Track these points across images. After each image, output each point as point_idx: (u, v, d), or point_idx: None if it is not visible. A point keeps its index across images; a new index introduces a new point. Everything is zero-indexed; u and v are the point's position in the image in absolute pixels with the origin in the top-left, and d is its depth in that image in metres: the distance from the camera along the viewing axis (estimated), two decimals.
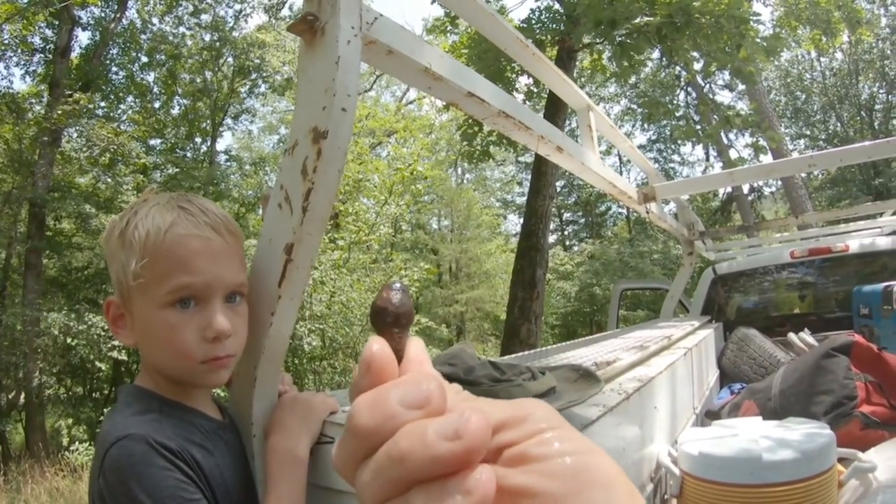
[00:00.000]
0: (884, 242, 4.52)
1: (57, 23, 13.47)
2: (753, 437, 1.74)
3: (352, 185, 16.10)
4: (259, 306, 1.07)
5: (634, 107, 24.01)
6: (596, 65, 12.09)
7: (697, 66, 10.64)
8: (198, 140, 18.71)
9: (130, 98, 16.63)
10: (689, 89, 18.05)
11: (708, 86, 16.86)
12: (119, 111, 16.17)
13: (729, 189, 20.25)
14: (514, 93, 10.46)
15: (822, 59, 22.64)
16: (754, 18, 8.47)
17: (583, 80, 18.61)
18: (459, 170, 28.93)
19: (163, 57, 16.66)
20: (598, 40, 9.57)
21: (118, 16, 15.04)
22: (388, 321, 0.41)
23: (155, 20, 16.60)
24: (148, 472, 0.88)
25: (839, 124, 23.23)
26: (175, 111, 17.95)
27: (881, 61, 21.31)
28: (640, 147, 23.79)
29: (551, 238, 22.47)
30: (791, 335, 3.62)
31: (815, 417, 2.26)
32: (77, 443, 10.97)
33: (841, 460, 1.83)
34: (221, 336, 1.00)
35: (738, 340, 4.20)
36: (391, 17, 1.05)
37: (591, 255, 22.68)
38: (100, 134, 12.88)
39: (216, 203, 1.14)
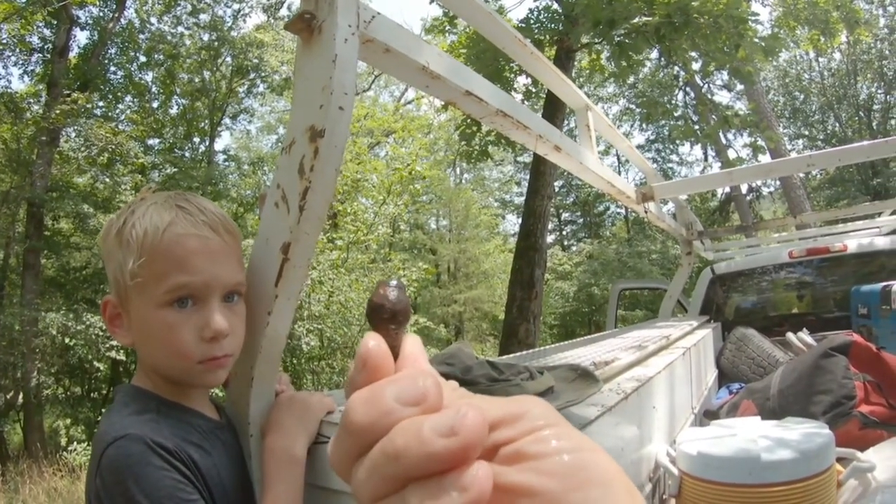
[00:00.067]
0: (882, 242, 4.53)
1: (55, 22, 13.46)
2: (752, 436, 1.74)
3: (350, 185, 16.10)
4: (256, 306, 1.06)
5: (633, 107, 23.99)
6: (594, 65, 12.07)
7: (696, 65, 10.67)
8: (196, 140, 18.71)
9: (129, 98, 16.63)
10: (688, 89, 18.09)
11: (706, 86, 16.90)
12: (117, 111, 16.17)
13: (727, 189, 20.28)
14: (513, 92, 10.46)
15: (820, 59, 22.66)
16: (753, 18, 8.47)
17: (581, 79, 18.62)
18: (458, 170, 28.93)
19: (161, 57, 16.64)
20: (596, 40, 9.57)
21: (116, 15, 15.04)
22: (385, 317, 0.40)
23: (153, 20, 16.60)
24: (145, 472, 0.87)
25: (837, 124, 23.24)
26: (173, 111, 17.96)
27: (879, 61, 21.33)
28: (639, 147, 23.85)
29: (550, 238, 22.51)
30: (789, 335, 3.62)
31: (813, 417, 2.26)
32: (75, 443, 10.97)
33: (840, 460, 1.83)
34: (219, 336, 0.99)
35: (737, 340, 4.20)
36: (389, 16, 1.05)
37: (589, 255, 22.68)
38: (98, 134, 12.88)
39: (214, 203, 1.14)
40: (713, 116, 11.16)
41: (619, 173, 17.95)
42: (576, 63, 12.04)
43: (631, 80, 15.62)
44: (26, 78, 14.58)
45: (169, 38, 16.71)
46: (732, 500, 1.62)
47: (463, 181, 29.70)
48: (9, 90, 13.33)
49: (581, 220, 29.07)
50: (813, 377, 2.54)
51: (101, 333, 10.72)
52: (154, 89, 17.27)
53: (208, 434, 1.04)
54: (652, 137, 26.28)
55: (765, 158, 14.89)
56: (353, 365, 0.37)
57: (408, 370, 0.38)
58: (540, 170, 9.78)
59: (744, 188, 20.29)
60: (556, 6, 10.11)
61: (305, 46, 0.96)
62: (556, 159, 1.99)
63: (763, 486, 1.58)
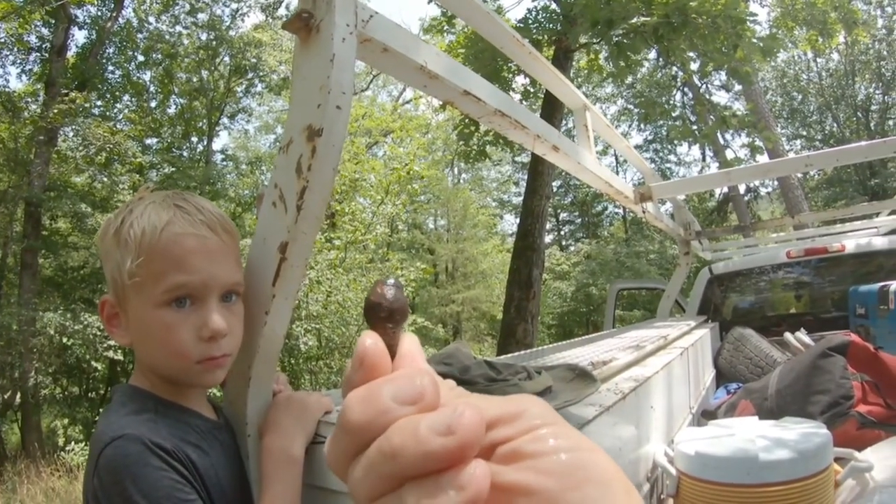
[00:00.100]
0: (880, 242, 4.54)
1: (53, 21, 13.42)
2: (750, 436, 1.74)
3: (348, 185, 16.06)
4: (253, 305, 1.06)
5: (631, 107, 24.02)
6: (593, 65, 12.08)
7: (694, 66, 10.68)
8: (194, 139, 18.69)
9: (127, 97, 16.60)
10: (686, 89, 18.11)
11: (704, 86, 16.93)
12: (115, 110, 16.14)
13: (725, 189, 20.28)
14: (511, 92, 10.47)
15: (818, 59, 22.68)
16: (751, 19, 8.48)
17: (579, 79, 18.65)
18: (456, 169, 28.94)
19: (159, 56, 16.62)
20: (594, 40, 9.57)
21: (114, 14, 15.01)
22: (382, 316, 0.40)
23: (151, 19, 16.56)
24: (143, 472, 0.87)
25: (835, 125, 23.28)
26: (171, 110, 17.92)
27: (877, 62, 21.36)
28: (637, 147, 23.84)
29: (548, 238, 22.53)
30: (787, 335, 3.62)
31: (811, 417, 2.26)
32: (73, 443, 10.94)
33: (837, 460, 1.83)
34: (217, 336, 0.99)
35: (735, 340, 4.20)
36: (387, 16, 1.04)
37: (587, 255, 22.70)
38: (96, 133, 12.85)
39: (212, 202, 1.14)
40: (711, 117, 11.17)
41: (617, 173, 17.99)
42: (574, 63, 12.05)
43: (629, 80, 15.61)
44: (24, 77, 14.57)
45: (167, 37, 16.69)
46: (730, 499, 1.62)
47: (461, 181, 29.72)
48: (7, 89, 13.31)
49: (579, 220, 29.08)
50: (811, 377, 2.55)
51: (98, 333, 10.71)
52: (152, 89, 17.25)
53: (206, 434, 1.04)
54: (650, 137, 26.33)
55: (763, 159, 14.90)
56: (350, 363, 0.37)
57: (405, 369, 0.38)
58: (538, 170, 9.78)
59: (742, 188, 20.33)
60: (554, 6, 10.12)
61: (303, 46, 0.96)
62: (555, 159, 1.99)
63: (761, 485, 1.58)
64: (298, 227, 0.96)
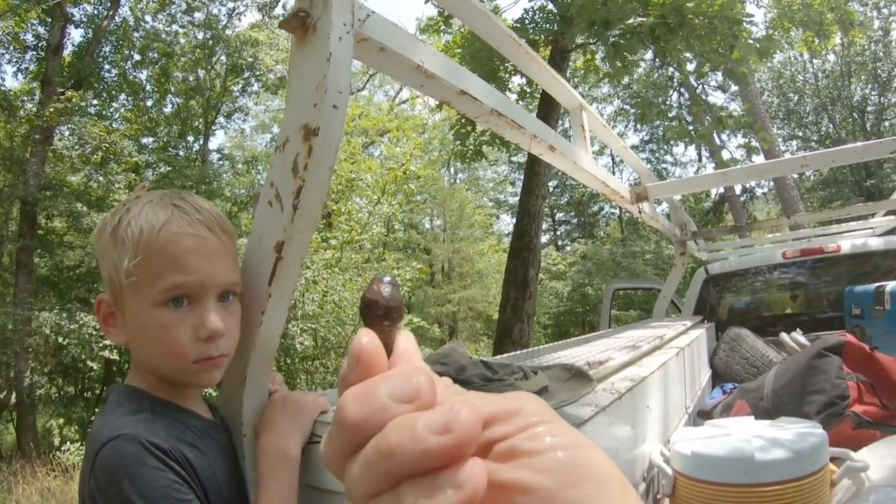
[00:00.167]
0: (875, 243, 4.54)
1: (49, 20, 13.40)
2: (746, 436, 1.74)
3: (344, 185, 16.05)
4: (249, 305, 1.06)
5: (627, 107, 24.04)
6: (589, 65, 12.10)
7: (690, 66, 10.71)
8: (190, 138, 18.70)
9: (123, 96, 16.62)
10: (682, 90, 18.08)
11: (701, 87, 16.94)
12: (111, 109, 16.14)
13: (721, 190, 20.30)
14: (507, 92, 10.47)
15: (814, 60, 22.75)
16: (747, 20, 8.49)
17: (576, 80, 18.64)
18: (452, 169, 28.91)
19: (155, 55, 16.63)
20: (591, 40, 9.57)
21: (111, 13, 15.00)
22: (379, 314, 0.40)
23: (148, 18, 16.59)
24: (140, 472, 0.87)
25: (831, 126, 23.35)
26: (167, 109, 17.96)
27: (873, 63, 21.43)
28: (633, 147, 23.86)
29: (544, 238, 22.50)
30: (783, 335, 3.63)
31: (807, 417, 2.26)
32: (68, 443, 10.92)
33: (833, 460, 1.83)
34: (215, 335, 0.99)
35: (731, 340, 4.20)
36: (384, 15, 1.04)
37: (583, 255, 22.71)
38: (92, 132, 12.82)
39: (209, 201, 1.14)
40: (707, 117, 11.17)
41: (614, 173, 17.95)
42: (570, 63, 12.03)
43: (625, 80, 15.66)
44: (20, 76, 14.61)
45: (163, 36, 16.70)
46: (726, 499, 1.62)
47: (457, 181, 29.71)
48: (2, 88, 13.26)
49: (575, 220, 29.11)
50: (806, 377, 2.55)
51: (94, 333, 10.68)
52: (148, 88, 17.28)
53: (203, 434, 1.04)
54: (646, 138, 26.39)
55: (759, 159, 14.93)
56: (347, 361, 0.37)
57: (401, 367, 0.38)
58: (534, 170, 9.78)
59: (738, 189, 20.38)
60: (551, 6, 10.13)
61: (300, 45, 0.96)
62: (551, 159, 1.99)
63: (757, 485, 1.58)
64: (295, 226, 0.96)
